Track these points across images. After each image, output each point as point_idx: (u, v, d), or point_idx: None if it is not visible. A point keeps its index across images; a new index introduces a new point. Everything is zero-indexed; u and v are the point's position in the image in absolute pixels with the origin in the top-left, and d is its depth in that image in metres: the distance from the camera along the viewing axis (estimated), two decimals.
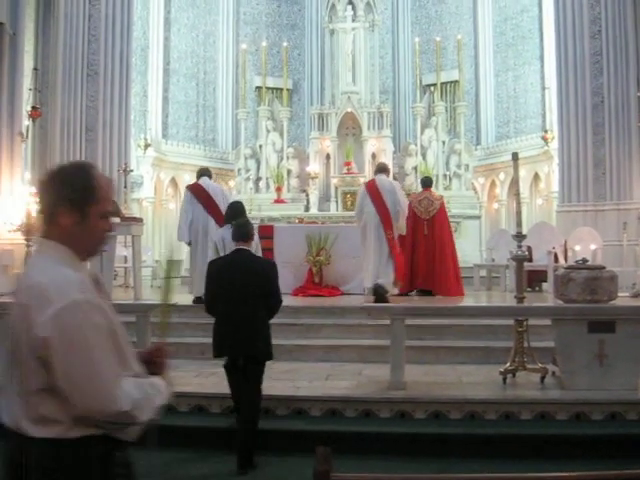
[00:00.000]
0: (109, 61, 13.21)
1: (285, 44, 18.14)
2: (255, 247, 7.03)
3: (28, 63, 12.99)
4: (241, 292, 5.31)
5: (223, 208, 9.03)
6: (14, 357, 1.98)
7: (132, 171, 13.71)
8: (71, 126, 12.91)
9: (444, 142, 16.75)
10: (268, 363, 5.44)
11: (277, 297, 5.50)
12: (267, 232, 10.87)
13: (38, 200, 2.14)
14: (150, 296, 10.26)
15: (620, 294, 6.52)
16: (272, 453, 5.28)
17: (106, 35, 13.21)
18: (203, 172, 9.95)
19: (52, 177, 2.10)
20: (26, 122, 12.60)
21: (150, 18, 16.98)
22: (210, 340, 5.49)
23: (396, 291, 10.06)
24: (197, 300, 9.99)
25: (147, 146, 15.86)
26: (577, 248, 11.15)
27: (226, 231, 7.60)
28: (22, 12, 11.50)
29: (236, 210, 8.07)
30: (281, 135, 17.33)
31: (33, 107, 12.98)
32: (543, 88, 16.40)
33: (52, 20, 13.49)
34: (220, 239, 7.97)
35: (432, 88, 17.63)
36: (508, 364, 6.31)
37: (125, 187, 13.12)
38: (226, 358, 5.42)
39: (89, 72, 13.10)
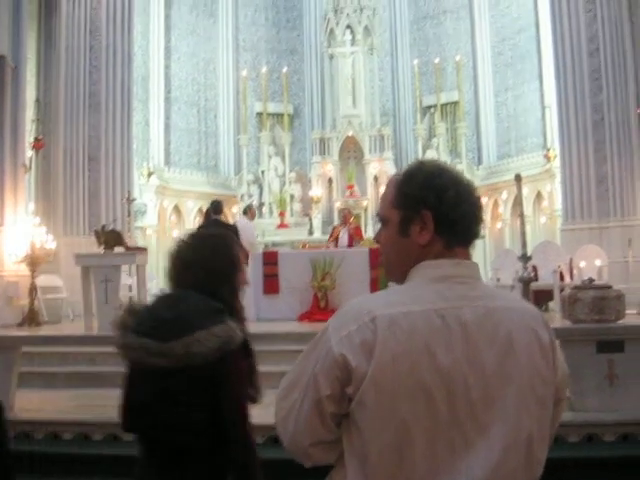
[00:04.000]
0: (110, 91, 13.30)
1: (285, 69, 18.25)
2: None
3: (30, 94, 13.07)
4: None
5: None
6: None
7: (135, 199, 13.74)
8: (74, 156, 12.95)
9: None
10: None
11: None
12: (271, 258, 10.84)
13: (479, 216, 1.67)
14: None
15: (627, 311, 6.46)
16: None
17: (107, 65, 13.31)
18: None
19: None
20: (29, 153, 12.66)
21: (150, 47, 17.11)
22: None
23: None
24: None
25: (150, 174, 15.90)
26: (582, 264, 11.10)
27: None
28: (23, 44, 11.60)
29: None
30: (283, 160, 17.40)
31: (36, 138, 13.04)
32: (543, 107, 16.42)
33: (53, 52, 13.59)
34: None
35: (432, 109, 17.70)
36: None
37: (129, 216, 13.16)
38: None
39: (91, 102, 13.17)
